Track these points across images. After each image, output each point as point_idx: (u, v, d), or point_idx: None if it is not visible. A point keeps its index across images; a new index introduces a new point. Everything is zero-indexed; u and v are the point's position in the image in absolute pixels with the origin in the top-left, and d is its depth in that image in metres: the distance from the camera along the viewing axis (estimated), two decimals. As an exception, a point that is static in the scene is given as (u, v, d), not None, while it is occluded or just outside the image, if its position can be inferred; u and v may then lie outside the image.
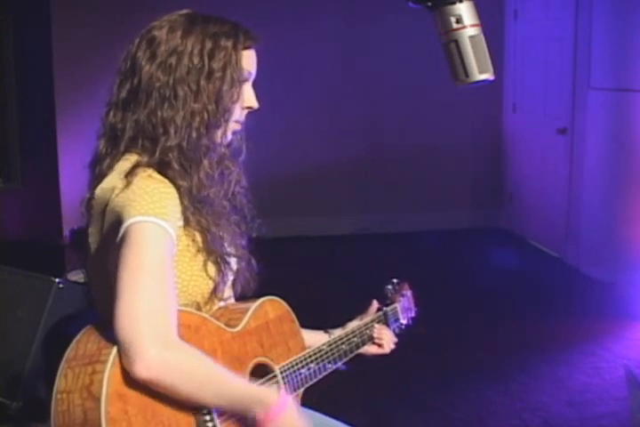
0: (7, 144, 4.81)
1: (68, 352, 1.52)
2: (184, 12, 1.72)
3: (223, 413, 1.61)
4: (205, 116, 1.67)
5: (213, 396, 1.54)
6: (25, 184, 4.96)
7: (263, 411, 1.59)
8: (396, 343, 2.12)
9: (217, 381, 1.54)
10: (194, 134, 1.66)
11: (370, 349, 2.10)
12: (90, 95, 5.74)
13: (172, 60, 1.65)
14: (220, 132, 1.72)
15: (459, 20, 1.57)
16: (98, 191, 1.66)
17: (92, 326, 1.55)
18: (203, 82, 1.66)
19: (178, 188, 1.62)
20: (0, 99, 4.86)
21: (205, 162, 1.68)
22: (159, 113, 1.65)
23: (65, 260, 5.04)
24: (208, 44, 1.66)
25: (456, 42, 1.58)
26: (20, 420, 3.20)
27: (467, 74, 1.59)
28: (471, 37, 1.58)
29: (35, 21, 5.15)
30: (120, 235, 1.52)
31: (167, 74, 1.65)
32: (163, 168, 1.63)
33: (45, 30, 5.35)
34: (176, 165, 1.64)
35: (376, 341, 2.09)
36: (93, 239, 1.67)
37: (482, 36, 1.59)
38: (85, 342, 1.52)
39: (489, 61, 1.60)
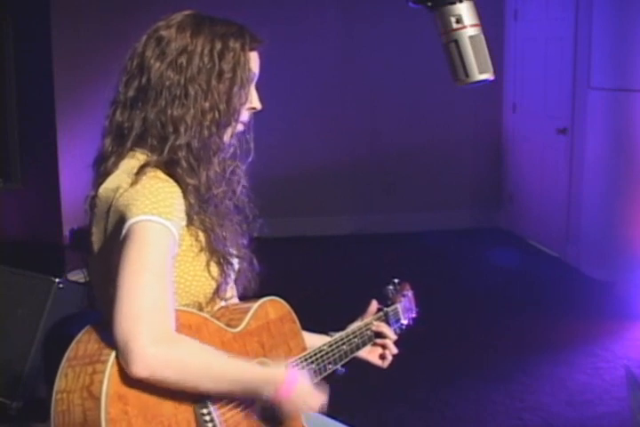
0: (7, 144, 4.80)
1: (69, 352, 1.52)
2: (189, 12, 1.73)
3: (222, 409, 1.61)
4: (216, 115, 1.67)
5: (219, 383, 1.55)
6: (25, 184, 4.95)
7: (274, 390, 1.60)
8: (396, 343, 2.12)
9: (221, 368, 1.55)
10: (205, 133, 1.67)
11: (371, 357, 2.09)
12: (90, 95, 5.75)
13: (183, 59, 1.66)
14: (229, 132, 1.73)
15: (459, 20, 1.57)
16: (102, 190, 1.66)
17: (93, 326, 1.55)
18: (214, 82, 1.67)
19: (184, 186, 1.62)
20: (0, 99, 4.85)
21: (215, 161, 1.69)
22: (169, 111, 1.65)
23: (65, 260, 5.03)
24: (218, 45, 1.67)
25: (456, 42, 1.58)
26: (20, 420, 3.20)
27: (467, 74, 1.59)
28: (471, 37, 1.58)
29: (35, 21, 5.15)
30: (123, 234, 1.52)
31: (178, 73, 1.66)
32: (171, 167, 1.63)
33: (45, 30, 5.34)
34: (185, 164, 1.64)
35: (378, 341, 2.09)
36: (96, 238, 1.67)
37: (482, 36, 1.59)
38: (86, 341, 1.52)
39: (489, 61, 1.60)
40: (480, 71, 1.59)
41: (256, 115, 1.81)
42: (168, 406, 1.52)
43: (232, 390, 1.58)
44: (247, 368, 1.62)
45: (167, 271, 1.52)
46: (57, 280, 3.28)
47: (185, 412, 1.55)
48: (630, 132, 5.27)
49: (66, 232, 5.29)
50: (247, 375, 1.60)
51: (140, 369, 1.43)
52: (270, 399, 1.62)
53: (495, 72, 1.62)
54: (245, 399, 1.66)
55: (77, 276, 3.74)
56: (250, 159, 1.81)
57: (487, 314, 4.99)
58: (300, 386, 1.65)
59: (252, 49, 1.73)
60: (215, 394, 1.57)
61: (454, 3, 1.57)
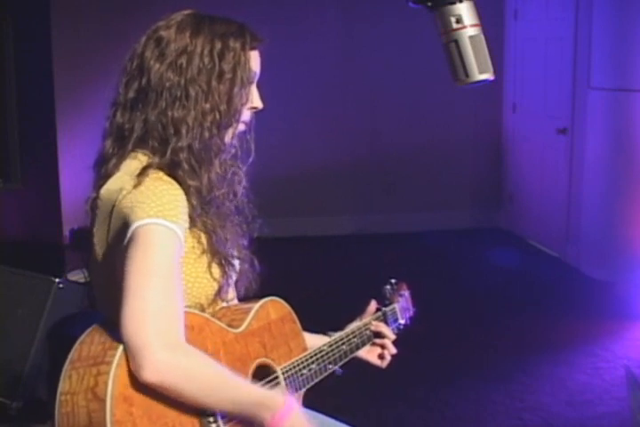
0: (7, 144, 4.80)
1: (72, 353, 1.51)
2: (188, 11, 1.72)
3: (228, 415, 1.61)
4: (217, 116, 1.67)
5: (220, 400, 1.54)
6: (25, 184, 4.95)
7: (270, 415, 1.58)
8: (396, 343, 2.12)
9: (224, 386, 1.53)
10: (206, 134, 1.66)
11: (370, 357, 2.09)
12: (90, 95, 5.75)
13: (183, 60, 1.65)
14: (230, 133, 1.72)
15: (459, 20, 1.57)
16: (104, 192, 1.65)
17: (96, 327, 1.54)
18: (214, 82, 1.66)
19: (186, 188, 1.61)
20: (0, 99, 4.85)
21: (216, 162, 1.68)
22: (170, 113, 1.64)
23: (65, 260, 5.03)
24: (217, 45, 1.66)
25: (456, 42, 1.58)
26: (20, 420, 3.20)
27: (467, 74, 1.59)
28: (471, 37, 1.58)
29: (35, 21, 5.15)
30: (128, 237, 1.51)
31: (178, 74, 1.65)
32: (173, 169, 1.62)
33: (45, 30, 5.34)
34: (186, 166, 1.63)
35: (377, 341, 2.09)
36: (98, 240, 1.66)
37: (482, 36, 1.59)
38: (89, 343, 1.51)
39: (489, 61, 1.60)
40: (480, 71, 1.59)
41: (256, 115, 1.80)
42: (173, 407, 1.51)
43: (229, 409, 1.57)
44: (250, 390, 1.60)
45: (175, 275, 1.51)
46: (57, 280, 3.28)
47: (189, 412, 1.54)
48: (630, 132, 5.27)
49: (66, 232, 5.29)
50: (248, 397, 1.57)
51: (150, 375, 1.42)
52: (264, 424, 1.59)
53: (495, 72, 1.61)
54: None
55: (77, 276, 3.74)
56: (250, 160, 1.80)
57: (487, 314, 4.99)
58: (294, 417, 1.62)
59: (252, 48, 1.72)
60: (213, 409, 1.56)
61: (454, 3, 1.57)
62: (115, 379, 1.43)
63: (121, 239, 1.53)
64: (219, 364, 1.55)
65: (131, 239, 1.50)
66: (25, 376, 3.19)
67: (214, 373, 1.52)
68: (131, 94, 1.68)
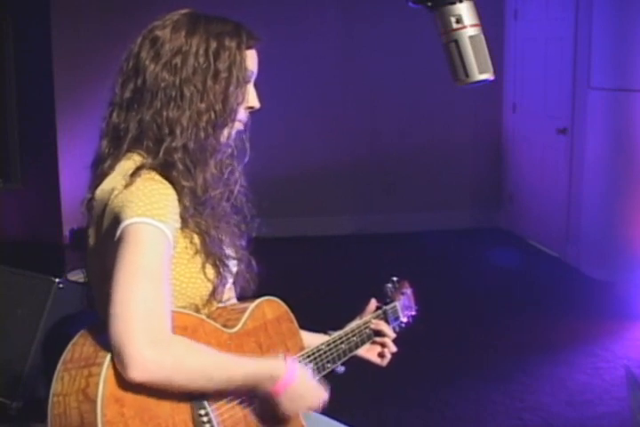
0: (7, 144, 4.81)
1: (65, 355, 1.51)
2: (185, 11, 1.72)
3: (220, 409, 1.61)
4: (212, 115, 1.66)
5: (218, 382, 1.54)
6: (25, 184, 4.96)
7: (272, 384, 1.59)
8: (396, 342, 2.12)
9: (218, 366, 1.54)
10: (201, 134, 1.65)
11: (370, 355, 2.09)
12: (90, 95, 5.75)
13: (177, 59, 1.64)
14: (226, 133, 1.72)
15: (459, 20, 1.57)
16: (98, 192, 1.66)
17: (89, 329, 1.54)
18: (209, 82, 1.66)
19: (180, 189, 1.61)
20: (0, 99, 4.85)
21: (211, 162, 1.68)
22: (165, 113, 1.64)
23: (65, 260, 5.03)
24: (213, 44, 1.66)
25: (456, 42, 1.58)
26: (20, 420, 3.20)
27: (467, 74, 1.59)
28: (471, 37, 1.58)
29: (35, 21, 5.15)
30: (117, 235, 1.51)
31: (173, 74, 1.64)
32: (166, 169, 1.62)
33: (45, 30, 5.35)
34: (181, 166, 1.63)
35: (377, 339, 2.09)
36: (93, 240, 1.66)
37: (482, 36, 1.59)
38: (82, 344, 1.52)
39: (489, 61, 1.60)
40: (480, 71, 1.59)
41: (256, 114, 1.80)
42: (165, 408, 1.51)
43: (230, 387, 1.57)
44: (244, 364, 1.60)
45: (162, 273, 1.51)
46: (57, 280, 3.28)
47: (182, 413, 1.55)
48: (630, 132, 5.27)
49: (66, 232, 5.30)
50: (244, 371, 1.58)
51: (137, 373, 1.42)
52: (268, 394, 1.61)
53: (495, 72, 1.61)
54: (244, 399, 1.66)
55: (77, 276, 3.72)
56: (246, 159, 1.80)
57: (487, 314, 4.99)
58: (299, 381, 1.63)
59: (248, 47, 1.71)
60: (214, 392, 1.56)
61: (454, 3, 1.57)
62: (105, 380, 1.43)
63: (111, 238, 1.54)
64: (207, 346, 1.55)
65: (119, 238, 1.51)
66: (25, 376, 3.20)
67: (205, 359, 1.52)
68: (126, 94, 1.68)
